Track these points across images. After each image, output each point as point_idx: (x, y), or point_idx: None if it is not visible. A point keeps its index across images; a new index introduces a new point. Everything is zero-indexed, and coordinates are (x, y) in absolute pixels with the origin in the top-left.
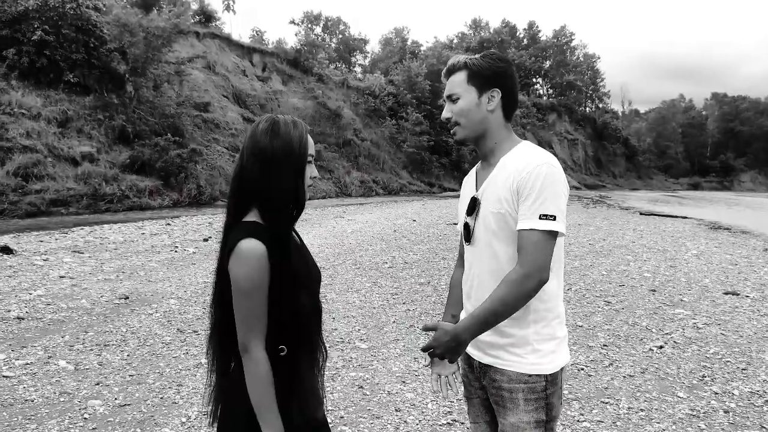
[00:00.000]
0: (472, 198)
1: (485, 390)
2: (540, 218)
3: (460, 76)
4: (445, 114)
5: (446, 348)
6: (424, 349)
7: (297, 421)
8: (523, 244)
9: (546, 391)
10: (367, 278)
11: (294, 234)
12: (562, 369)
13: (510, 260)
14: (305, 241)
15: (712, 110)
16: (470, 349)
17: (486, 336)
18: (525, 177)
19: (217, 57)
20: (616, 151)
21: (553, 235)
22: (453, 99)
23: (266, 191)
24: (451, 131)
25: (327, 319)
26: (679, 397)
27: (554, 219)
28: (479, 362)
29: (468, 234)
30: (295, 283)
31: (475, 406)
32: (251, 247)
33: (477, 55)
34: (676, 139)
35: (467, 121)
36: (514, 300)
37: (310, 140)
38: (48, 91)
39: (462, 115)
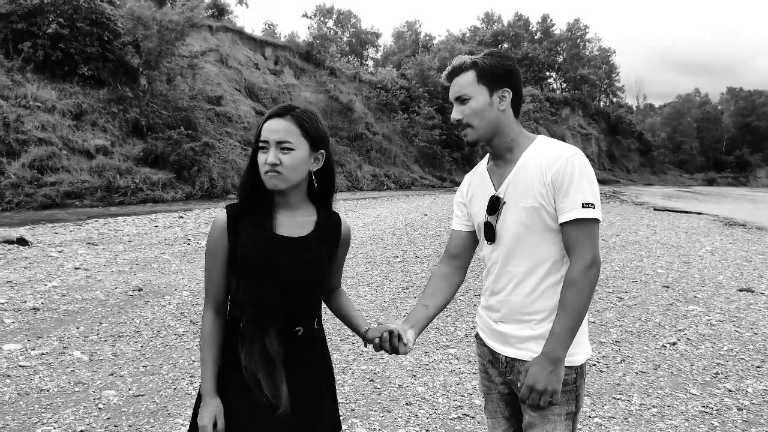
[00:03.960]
0: (493, 197)
1: (507, 385)
2: (583, 207)
3: (469, 76)
4: (456, 116)
5: (548, 378)
6: (529, 402)
7: (237, 408)
8: (573, 236)
9: (576, 383)
10: (378, 272)
11: (312, 225)
12: (586, 361)
13: (543, 254)
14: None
15: (727, 105)
16: (495, 344)
17: (514, 330)
18: (560, 169)
19: (230, 50)
20: (630, 146)
21: (596, 222)
22: (463, 100)
23: None
24: (462, 133)
25: None
26: (691, 393)
27: (593, 207)
28: (506, 356)
29: (491, 233)
30: (239, 263)
31: (494, 402)
32: (217, 216)
33: (481, 54)
34: (691, 134)
35: (480, 121)
36: (586, 296)
37: (270, 126)
38: (63, 84)
39: (474, 116)
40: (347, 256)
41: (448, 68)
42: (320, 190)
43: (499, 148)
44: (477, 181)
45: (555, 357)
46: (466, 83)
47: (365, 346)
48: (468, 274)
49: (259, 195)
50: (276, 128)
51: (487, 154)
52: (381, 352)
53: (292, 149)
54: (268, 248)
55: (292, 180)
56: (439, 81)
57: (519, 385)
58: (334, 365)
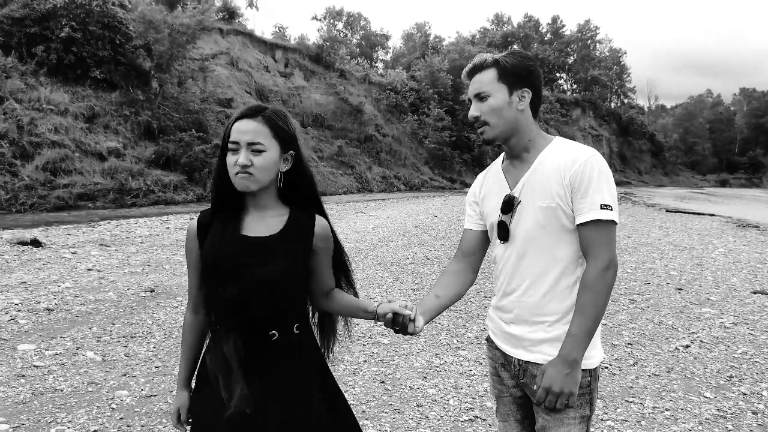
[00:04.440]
0: (508, 196)
1: (520, 388)
2: (601, 208)
3: (490, 74)
4: (473, 112)
5: (565, 380)
6: (545, 405)
7: (203, 408)
8: (590, 237)
9: (590, 386)
10: (388, 274)
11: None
12: (600, 364)
13: (558, 255)
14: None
15: (740, 106)
16: (507, 347)
17: (527, 332)
18: (578, 170)
19: (240, 53)
20: (642, 147)
21: (614, 224)
22: (481, 97)
23: None
24: (479, 131)
25: None
26: (705, 397)
27: (611, 209)
28: (519, 360)
29: (505, 232)
30: (205, 265)
31: (506, 405)
32: (190, 222)
33: (503, 53)
34: (704, 135)
35: (498, 120)
36: (603, 298)
37: (240, 126)
38: (75, 88)
39: (492, 114)
40: (358, 257)
41: (469, 65)
42: (293, 191)
43: (516, 148)
44: (491, 180)
45: (572, 359)
46: (486, 81)
47: (375, 322)
48: (479, 275)
49: (230, 197)
50: (246, 129)
51: (502, 154)
52: (390, 331)
53: (264, 150)
54: (233, 249)
55: (263, 181)
56: (448, 82)
57: (535, 387)
58: (345, 367)
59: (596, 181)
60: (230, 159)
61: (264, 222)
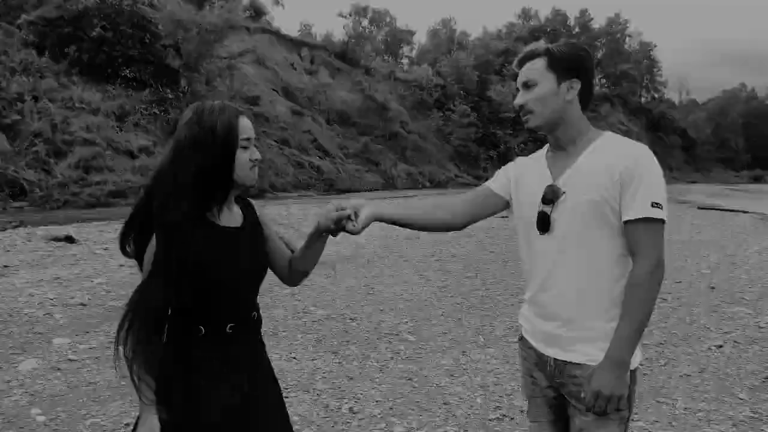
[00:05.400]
0: (551, 186)
1: (554, 388)
2: (652, 206)
3: (540, 63)
4: (518, 101)
5: (615, 383)
6: (595, 410)
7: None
8: (639, 235)
9: (630, 387)
10: (414, 270)
11: (248, 215)
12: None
13: (601, 250)
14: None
15: None
16: (542, 345)
17: (564, 330)
18: (630, 166)
19: (267, 51)
20: (673, 143)
21: (663, 223)
22: (529, 85)
23: (171, 179)
24: (523, 119)
25: (375, 311)
26: (740, 398)
27: (662, 208)
28: (554, 359)
29: (546, 224)
30: (181, 271)
31: (538, 406)
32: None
33: (557, 43)
34: (737, 130)
35: (543, 108)
36: (653, 297)
37: (244, 123)
38: (106, 86)
39: (537, 103)
40: (384, 254)
41: (521, 54)
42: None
43: (563, 140)
44: (531, 169)
45: (621, 361)
46: (535, 69)
47: (322, 234)
48: (506, 273)
49: (223, 194)
50: (250, 126)
51: (546, 146)
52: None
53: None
54: (223, 243)
55: None
56: (474, 78)
57: (582, 395)
58: (371, 363)
59: (648, 177)
60: (244, 155)
61: (231, 215)
